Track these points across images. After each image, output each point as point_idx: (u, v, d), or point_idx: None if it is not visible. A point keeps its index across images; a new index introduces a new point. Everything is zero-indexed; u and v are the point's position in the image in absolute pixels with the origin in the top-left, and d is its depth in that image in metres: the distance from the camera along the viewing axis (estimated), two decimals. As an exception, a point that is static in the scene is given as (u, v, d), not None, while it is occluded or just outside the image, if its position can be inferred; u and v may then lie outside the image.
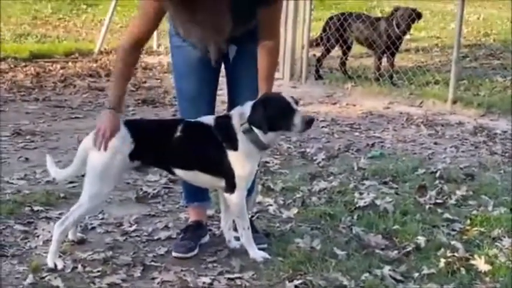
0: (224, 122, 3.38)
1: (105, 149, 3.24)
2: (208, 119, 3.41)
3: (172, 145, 3.35)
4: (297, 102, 3.36)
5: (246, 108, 3.36)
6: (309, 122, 3.32)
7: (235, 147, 3.33)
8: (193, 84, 3.49)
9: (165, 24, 3.61)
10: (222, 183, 3.42)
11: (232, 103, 3.55)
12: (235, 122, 3.36)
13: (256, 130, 3.32)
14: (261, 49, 3.41)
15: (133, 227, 3.89)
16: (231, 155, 3.34)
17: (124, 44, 3.35)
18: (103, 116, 3.31)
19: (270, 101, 3.34)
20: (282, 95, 3.40)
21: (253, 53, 3.45)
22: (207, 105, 3.53)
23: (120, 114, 3.36)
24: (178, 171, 3.42)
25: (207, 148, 3.38)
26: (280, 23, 3.60)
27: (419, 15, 8.51)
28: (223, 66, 3.59)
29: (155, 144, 3.36)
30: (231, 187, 3.39)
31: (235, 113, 3.39)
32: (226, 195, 3.42)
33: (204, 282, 3.22)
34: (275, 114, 3.29)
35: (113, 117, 3.29)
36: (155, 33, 10.57)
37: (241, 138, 3.34)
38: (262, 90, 3.41)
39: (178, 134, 3.35)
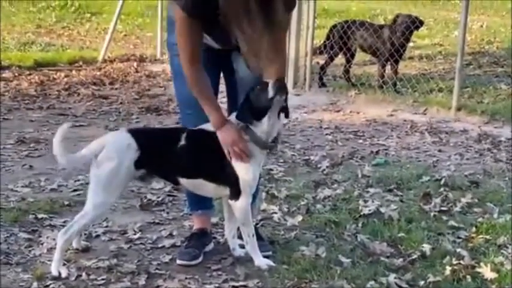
0: None
1: (247, 157, 3.30)
2: (210, 126, 3.41)
3: (176, 153, 3.35)
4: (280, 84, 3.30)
5: None
6: (277, 82, 3.27)
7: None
8: None
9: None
10: (226, 191, 3.41)
11: (233, 106, 3.53)
12: (233, 124, 3.36)
13: (254, 127, 3.32)
14: (268, 69, 3.35)
15: (138, 235, 3.88)
16: (235, 161, 3.33)
17: (184, 66, 3.31)
18: (222, 136, 3.31)
19: (251, 89, 3.35)
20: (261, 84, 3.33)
21: None
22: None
23: (231, 122, 3.36)
24: (183, 181, 3.42)
25: (210, 155, 3.37)
26: (286, 38, 3.59)
27: (421, 23, 8.53)
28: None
29: (160, 152, 3.36)
30: (235, 193, 3.38)
31: (232, 117, 3.40)
32: (231, 202, 3.41)
33: (208, 290, 3.22)
34: (254, 97, 3.30)
35: (228, 130, 3.31)
36: (158, 41, 10.61)
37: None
38: None
39: (182, 142, 3.36)
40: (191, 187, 3.48)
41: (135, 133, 3.37)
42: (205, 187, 3.42)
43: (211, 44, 3.41)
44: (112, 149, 3.29)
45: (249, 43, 3.17)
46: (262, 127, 3.34)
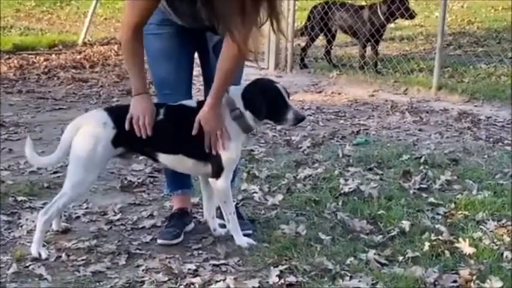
0: None
1: (149, 132, 3.25)
2: (191, 102, 3.40)
3: (155, 129, 3.31)
4: (288, 95, 3.39)
5: (234, 94, 3.36)
6: (299, 120, 3.38)
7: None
8: (171, 71, 3.47)
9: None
10: (206, 168, 3.40)
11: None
12: (223, 107, 3.34)
13: (247, 116, 3.33)
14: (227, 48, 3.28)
15: (118, 216, 3.87)
16: None
17: (123, 35, 3.28)
18: (134, 103, 3.29)
19: (268, 91, 3.35)
20: (277, 86, 3.39)
21: None
22: (186, 92, 3.51)
23: (150, 96, 3.35)
24: (162, 157, 3.39)
25: (189, 130, 3.33)
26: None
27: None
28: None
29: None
30: (217, 172, 3.37)
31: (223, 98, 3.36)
32: (212, 180, 3.40)
33: (189, 269, 3.20)
34: (271, 105, 3.31)
35: (143, 100, 3.29)
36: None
37: (228, 122, 3.33)
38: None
39: (160, 117, 3.33)
40: (170, 163, 3.45)
41: (111, 111, 3.35)
42: (185, 163, 3.39)
43: (182, 23, 3.38)
44: (88, 128, 3.27)
45: (241, 36, 3.12)
46: (259, 123, 3.41)
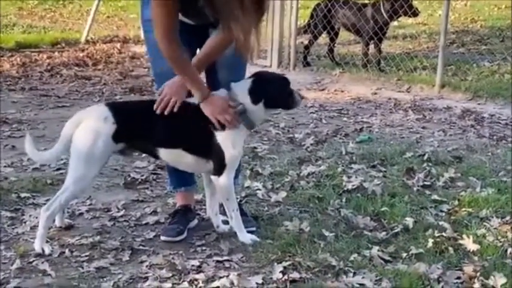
0: None
1: (237, 124, 3.33)
2: (193, 99, 3.39)
3: (155, 123, 3.30)
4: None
5: (238, 90, 3.36)
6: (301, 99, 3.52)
7: (223, 128, 3.31)
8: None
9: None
10: (208, 165, 3.39)
11: (212, 85, 3.51)
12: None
13: (250, 111, 3.34)
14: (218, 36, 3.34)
15: (122, 212, 3.87)
16: (220, 136, 3.31)
17: (160, 44, 3.24)
18: (209, 106, 3.29)
19: (273, 79, 3.46)
20: (278, 74, 3.56)
21: None
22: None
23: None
24: (162, 152, 3.37)
25: (191, 126, 3.33)
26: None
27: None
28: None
29: (138, 124, 3.32)
30: (219, 169, 3.36)
31: (224, 94, 3.36)
32: (214, 178, 3.40)
33: (192, 265, 3.20)
34: (280, 92, 3.40)
35: (216, 98, 3.32)
36: (140, 22, 10.53)
37: None
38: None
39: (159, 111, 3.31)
40: (171, 159, 3.43)
41: (112, 107, 3.33)
42: (185, 159, 3.37)
43: (185, 20, 3.37)
44: (89, 123, 3.26)
45: (243, 32, 3.13)
46: (262, 117, 3.44)
